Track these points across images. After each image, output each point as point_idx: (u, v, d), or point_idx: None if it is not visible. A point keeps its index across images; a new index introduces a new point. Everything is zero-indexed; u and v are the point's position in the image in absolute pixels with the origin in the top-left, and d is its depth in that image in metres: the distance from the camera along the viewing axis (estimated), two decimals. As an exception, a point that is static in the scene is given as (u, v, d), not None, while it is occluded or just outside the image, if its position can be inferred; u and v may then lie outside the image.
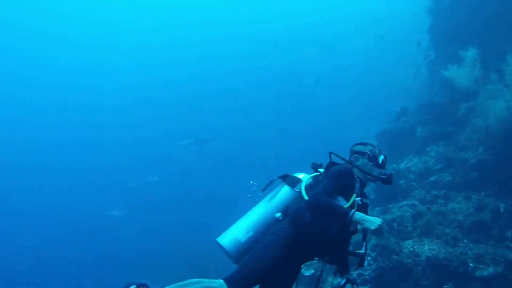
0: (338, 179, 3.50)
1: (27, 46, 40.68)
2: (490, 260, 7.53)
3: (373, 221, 3.08)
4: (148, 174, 27.78)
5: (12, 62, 39.64)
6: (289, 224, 3.45)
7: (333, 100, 32.72)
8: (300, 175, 3.83)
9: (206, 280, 3.20)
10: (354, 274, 8.50)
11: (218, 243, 3.62)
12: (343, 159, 3.87)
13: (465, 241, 8.35)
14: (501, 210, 8.69)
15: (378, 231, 3.06)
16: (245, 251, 3.50)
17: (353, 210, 3.18)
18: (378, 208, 10.69)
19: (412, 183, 10.96)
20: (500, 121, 9.69)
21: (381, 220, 3.13)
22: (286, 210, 3.61)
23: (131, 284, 3.28)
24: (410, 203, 10.16)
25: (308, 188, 3.65)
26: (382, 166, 3.79)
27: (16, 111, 38.71)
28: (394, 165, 12.13)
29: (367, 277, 8.36)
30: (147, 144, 33.76)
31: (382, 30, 25.47)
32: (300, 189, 3.65)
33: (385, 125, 15.51)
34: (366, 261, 3.54)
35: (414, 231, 8.95)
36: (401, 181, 11.12)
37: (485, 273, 7.33)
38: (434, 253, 7.94)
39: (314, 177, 3.79)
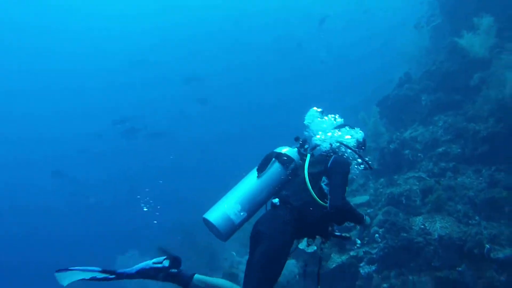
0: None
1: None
2: (506, 241, 7.10)
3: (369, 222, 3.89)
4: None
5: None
6: (296, 219, 3.46)
7: (329, 63, 31.85)
8: (284, 149, 3.85)
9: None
10: (360, 252, 8.10)
11: (207, 220, 3.49)
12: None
13: (477, 218, 7.91)
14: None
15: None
16: (235, 230, 3.55)
17: (366, 216, 3.78)
18: (382, 179, 10.20)
19: (419, 154, 10.41)
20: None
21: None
22: (285, 198, 3.55)
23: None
24: (417, 175, 9.68)
25: (309, 175, 3.62)
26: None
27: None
28: (398, 133, 11.63)
29: (374, 256, 7.92)
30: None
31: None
32: (292, 169, 3.74)
33: (379, 92, 14.95)
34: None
35: (423, 207, 8.48)
36: (406, 151, 10.60)
37: (501, 255, 6.84)
38: (447, 231, 7.42)
39: (310, 162, 3.74)
